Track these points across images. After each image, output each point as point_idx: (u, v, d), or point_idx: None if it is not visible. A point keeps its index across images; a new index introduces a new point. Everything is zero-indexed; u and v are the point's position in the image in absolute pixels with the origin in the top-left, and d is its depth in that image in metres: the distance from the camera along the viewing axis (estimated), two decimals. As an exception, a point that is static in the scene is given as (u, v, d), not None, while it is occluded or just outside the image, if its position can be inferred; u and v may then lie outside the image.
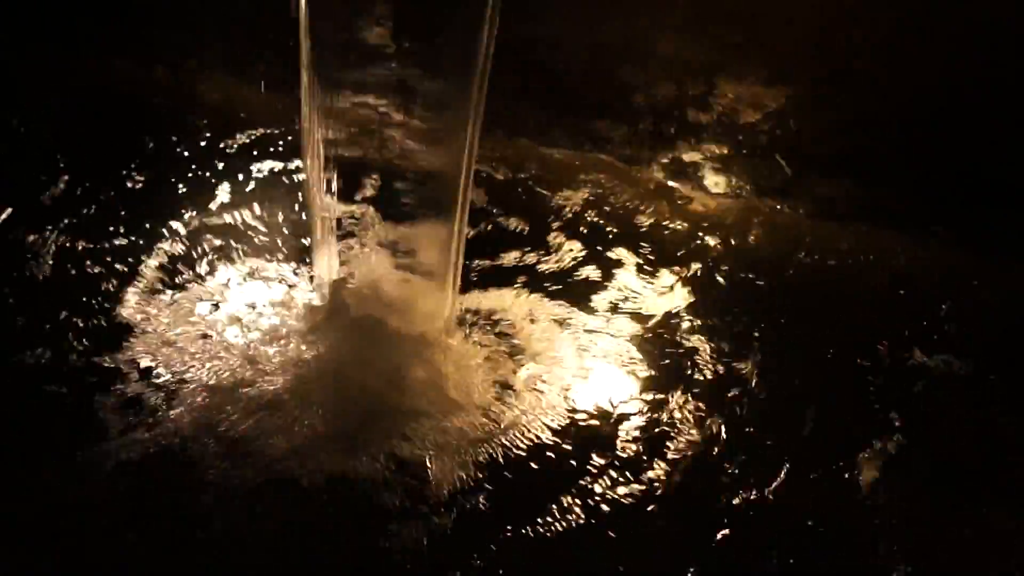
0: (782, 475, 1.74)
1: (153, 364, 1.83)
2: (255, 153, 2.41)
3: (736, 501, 1.71)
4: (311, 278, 2.05)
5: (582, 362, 1.97)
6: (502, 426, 1.80)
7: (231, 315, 1.96)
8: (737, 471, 1.76)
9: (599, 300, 2.10)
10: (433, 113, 2.16)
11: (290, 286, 2.05)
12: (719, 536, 1.65)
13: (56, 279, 2.00)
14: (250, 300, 2.01)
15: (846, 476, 1.76)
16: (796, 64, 2.22)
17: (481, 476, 1.71)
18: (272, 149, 2.42)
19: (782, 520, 1.69)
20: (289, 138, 2.43)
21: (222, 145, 2.43)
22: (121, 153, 2.38)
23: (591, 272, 2.16)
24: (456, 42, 1.65)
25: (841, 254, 2.24)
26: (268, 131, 2.47)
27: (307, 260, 2.08)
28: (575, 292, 2.12)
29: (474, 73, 1.63)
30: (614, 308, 2.09)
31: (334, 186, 1.95)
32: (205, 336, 1.91)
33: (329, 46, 1.72)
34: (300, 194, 2.25)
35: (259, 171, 2.37)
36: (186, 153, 2.40)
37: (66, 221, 2.13)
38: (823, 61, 2.19)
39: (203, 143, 2.44)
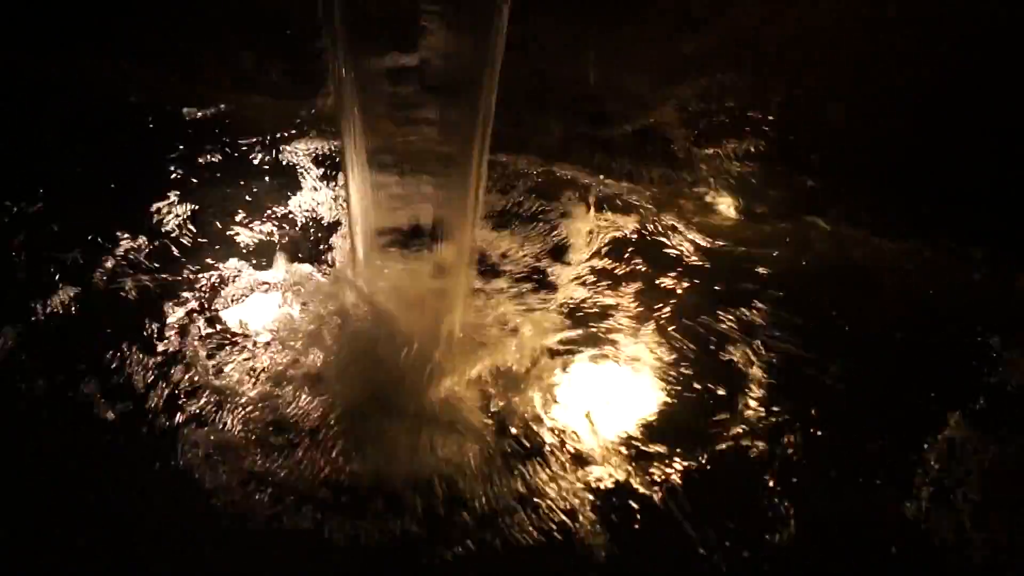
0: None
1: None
2: (266, 159, 2.43)
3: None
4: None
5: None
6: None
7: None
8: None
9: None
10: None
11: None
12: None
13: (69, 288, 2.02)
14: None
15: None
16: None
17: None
18: (282, 155, 2.44)
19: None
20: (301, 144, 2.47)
21: (233, 151, 2.45)
22: (129, 159, 2.40)
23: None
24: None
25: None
26: (278, 137, 2.49)
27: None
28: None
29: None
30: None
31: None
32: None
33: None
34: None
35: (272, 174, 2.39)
36: (197, 161, 2.41)
37: (77, 228, 2.16)
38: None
39: (213, 150, 2.45)
